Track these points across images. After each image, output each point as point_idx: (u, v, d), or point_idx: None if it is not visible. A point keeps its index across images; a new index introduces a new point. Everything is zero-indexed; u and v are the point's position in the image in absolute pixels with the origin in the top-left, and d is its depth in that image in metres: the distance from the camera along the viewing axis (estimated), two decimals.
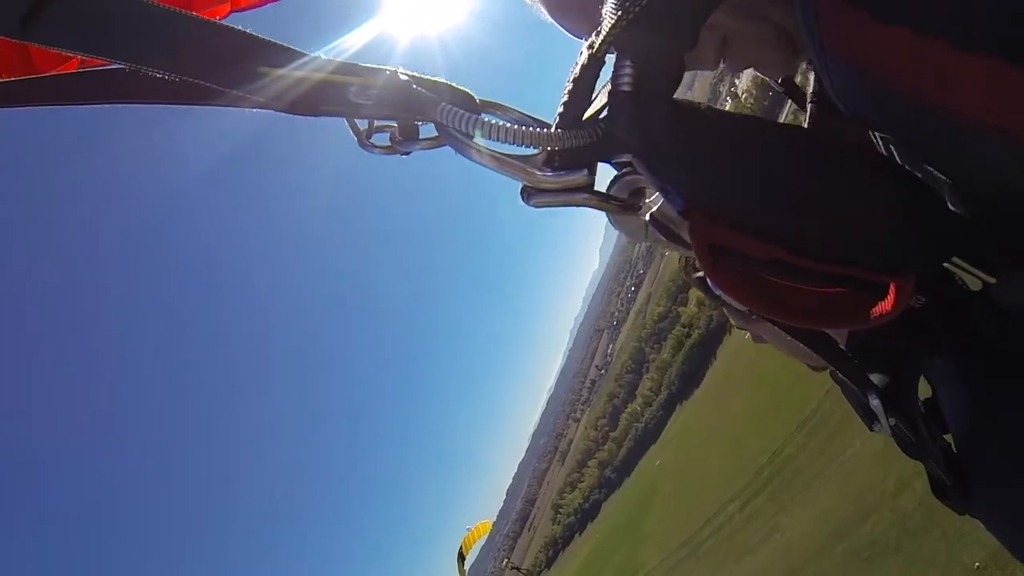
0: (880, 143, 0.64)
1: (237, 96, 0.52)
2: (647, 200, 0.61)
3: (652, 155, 0.51)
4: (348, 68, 0.55)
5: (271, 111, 0.54)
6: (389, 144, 0.63)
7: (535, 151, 0.55)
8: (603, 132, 0.52)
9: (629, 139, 0.51)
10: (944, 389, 0.83)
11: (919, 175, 0.54)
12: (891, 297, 0.51)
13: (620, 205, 0.58)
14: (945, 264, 0.57)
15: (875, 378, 0.75)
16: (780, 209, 0.50)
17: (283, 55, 0.52)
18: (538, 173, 0.53)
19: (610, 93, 0.51)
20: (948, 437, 0.81)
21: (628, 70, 0.50)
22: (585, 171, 0.53)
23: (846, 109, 0.54)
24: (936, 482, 0.81)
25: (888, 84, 0.48)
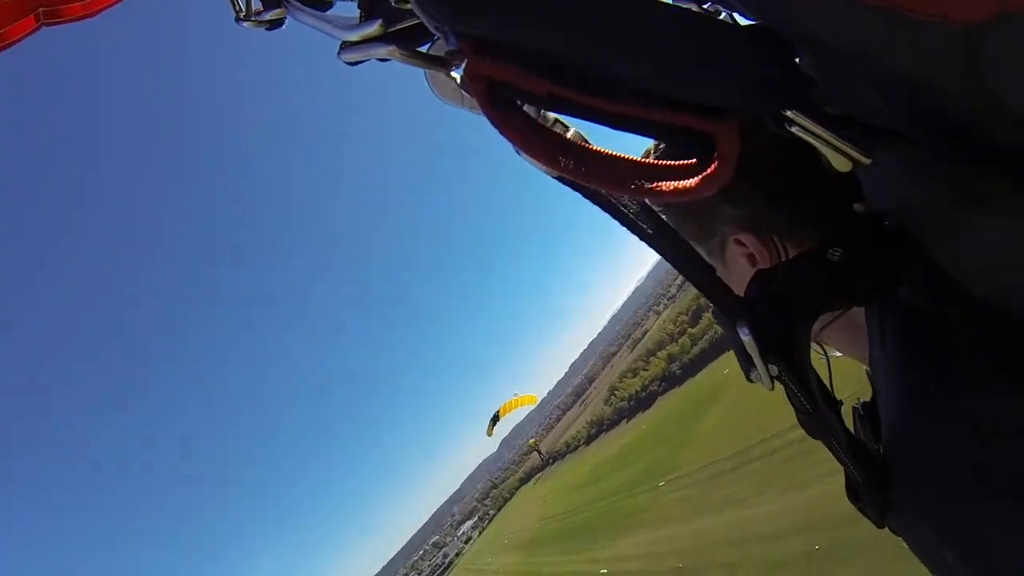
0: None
1: None
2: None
3: None
4: None
5: None
6: (254, 19, 0.69)
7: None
8: None
9: None
10: (880, 378, 0.71)
11: (750, 24, 0.48)
12: (718, 158, 0.46)
13: (426, 60, 0.54)
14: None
15: (761, 318, 0.61)
16: (559, 32, 0.44)
17: None
18: (341, 28, 0.55)
19: None
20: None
21: None
22: (379, 20, 0.54)
23: None
24: (848, 480, 0.67)
25: None
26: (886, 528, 0.69)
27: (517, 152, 0.48)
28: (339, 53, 0.56)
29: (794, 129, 0.45)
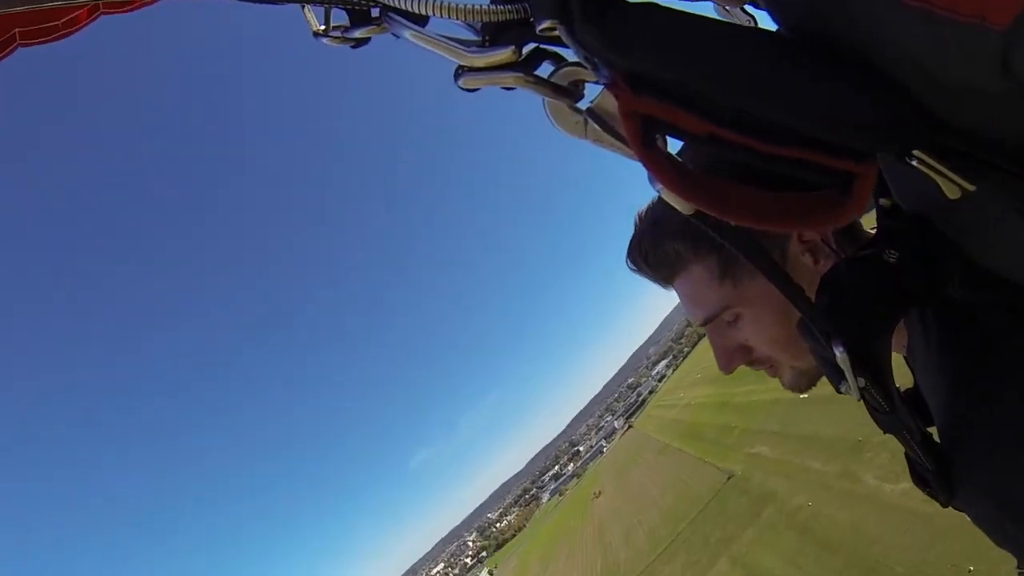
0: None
1: None
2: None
3: (577, 20, 0.45)
4: None
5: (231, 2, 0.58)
6: (339, 35, 0.65)
7: (474, 34, 0.54)
8: (530, 3, 0.49)
9: (552, 3, 0.45)
10: (923, 367, 0.75)
11: (874, 61, 0.47)
12: (856, 192, 0.47)
13: (553, 89, 0.53)
14: (914, 158, 0.47)
15: (850, 334, 0.64)
16: (723, 83, 0.45)
17: None
18: (464, 51, 0.52)
19: None
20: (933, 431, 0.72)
21: None
22: (512, 47, 0.51)
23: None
24: (915, 466, 0.72)
25: None
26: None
27: (655, 187, 0.47)
28: (458, 78, 0.53)
29: (914, 163, 0.46)
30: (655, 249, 0.90)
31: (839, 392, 0.67)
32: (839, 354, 0.62)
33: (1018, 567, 0.71)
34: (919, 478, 0.72)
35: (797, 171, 0.48)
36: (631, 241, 0.94)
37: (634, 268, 0.95)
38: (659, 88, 0.45)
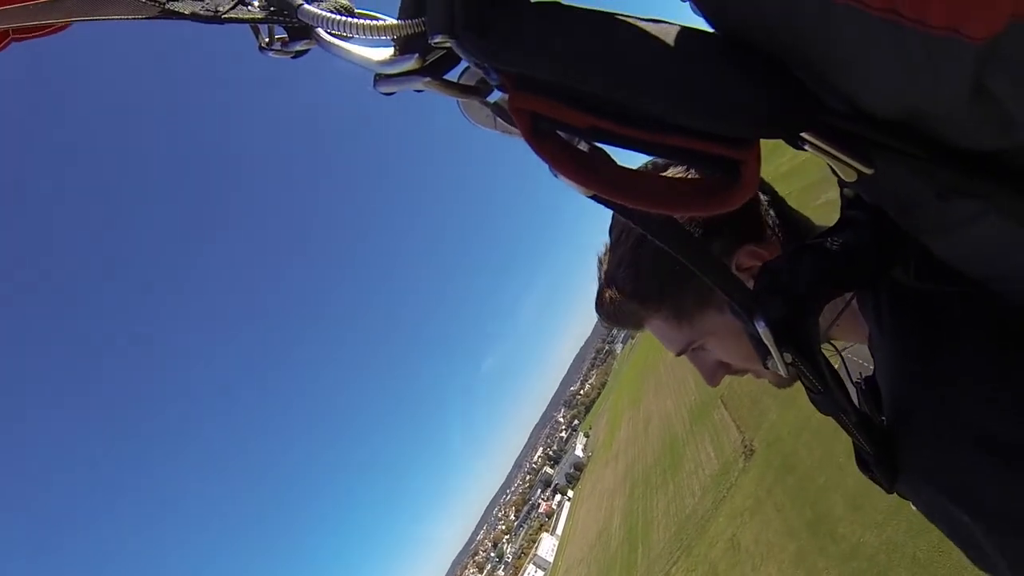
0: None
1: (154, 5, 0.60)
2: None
3: (460, 35, 0.49)
4: None
5: (187, 22, 0.62)
6: (279, 48, 0.69)
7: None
8: (425, 19, 0.53)
9: (441, 19, 0.49)
10: (877, 354, 0.77)
11: (767, 49, 0.49)
12: (744, 177, 0.49)
13: (461, 90, 0.58)
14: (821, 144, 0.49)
15: (774, 310, 0.67)
16: (602, 76, 0.47)
17: None
18: (375, 60, 0.56)
19: None
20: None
21: None
22: (416, 55, 0.55)
23: None
24: (857, 449, 0.74)
25: None
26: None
27: (554, 175, 0.50)
28: (375, 85, 0.57)
29: (806, 147, 0.48)
30: (618, 311, 1.01)
31: (765, 367, 0.70)
32: (760, 328, 0.66)
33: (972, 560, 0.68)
34: (861, 462, 0.74)
35: (683, 160, 0.50)
36: (596, 298, 1.05)
37: (606, 324, 1.08)
38: (542, 87, 0.48)
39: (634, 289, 0.97)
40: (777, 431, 15.01)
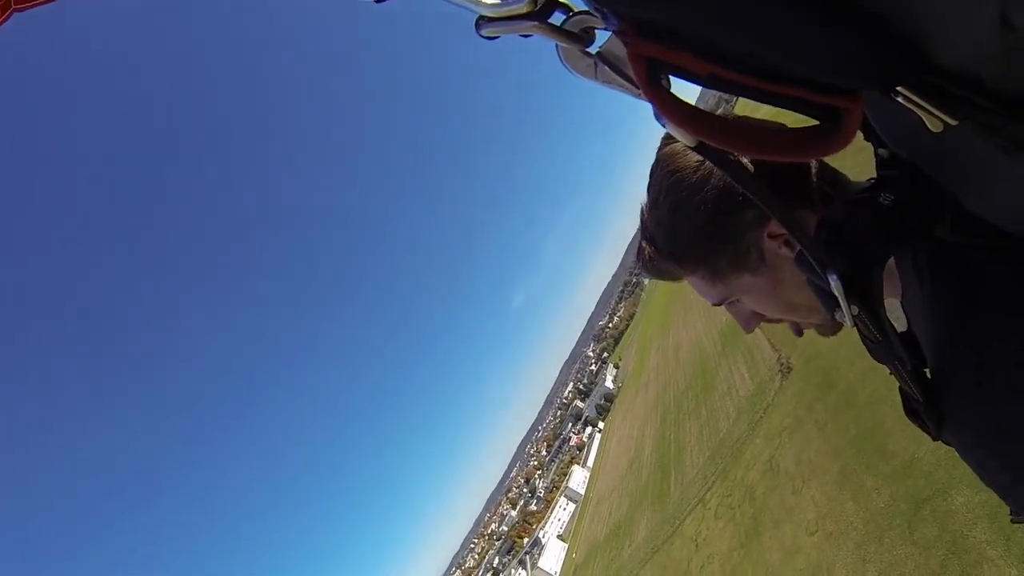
0: None
1: None
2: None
3: None
4: None
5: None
6: None
7: None
8: None
9: None
10: (916, 311, 0.81)
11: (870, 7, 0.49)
12: (844, 125, 0.50)
13: (566, 35, 0.58)
14: (900, 95, 0.51)
15: (842, 264, 0.71)
16: (721, 26, 0.47)
17: None
18: (485, 3, 0.55)
19: None
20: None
21: None
22: None
23: None
24: (907, 399, 0.78)
25: None
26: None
27: (661, 122, 0.50)
28: (477, 29, 0.56)
29: (899, 99, 0.49)
30: (656, 268, 1.04)
31: (834, 320, 0.74)
32: (833, 282, 0.69)
33: (1010, 514, 0.72)
34: (911, 410, 0.77)
35: (791, 107, 0.51)
36: (638, 252, 1.07)
37: (646, 276, 1.12)
38: (663, 33, 0.48)
39: (671, 251, 1.00)
40: (816, 346, 14.09)
